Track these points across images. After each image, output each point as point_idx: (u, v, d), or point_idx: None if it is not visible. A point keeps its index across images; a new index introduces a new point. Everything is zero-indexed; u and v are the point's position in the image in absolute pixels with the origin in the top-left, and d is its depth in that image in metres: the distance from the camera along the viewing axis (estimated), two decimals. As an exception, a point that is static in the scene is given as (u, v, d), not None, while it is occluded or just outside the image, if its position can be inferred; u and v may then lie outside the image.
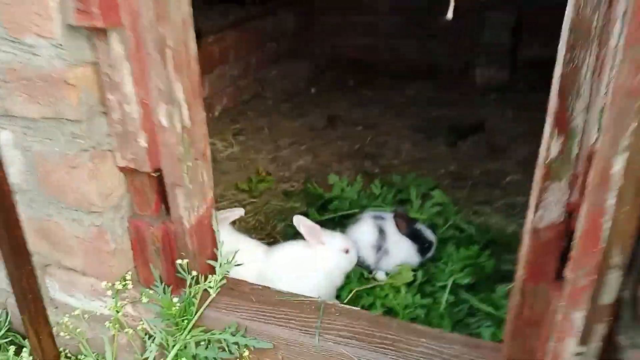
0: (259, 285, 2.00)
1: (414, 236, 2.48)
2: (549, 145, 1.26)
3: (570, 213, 1.31)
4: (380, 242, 2.49)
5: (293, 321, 1.77)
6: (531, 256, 1.38)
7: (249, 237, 2.47)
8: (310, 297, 1.92)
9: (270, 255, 2.30)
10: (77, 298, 2.02)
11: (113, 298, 1.86)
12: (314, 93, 5.25)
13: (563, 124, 1.23)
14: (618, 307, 1.29)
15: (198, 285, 1.83)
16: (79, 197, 1.75)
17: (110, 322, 1.87)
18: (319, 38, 6.09)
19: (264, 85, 5.18)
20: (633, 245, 1.10)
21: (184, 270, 1.82)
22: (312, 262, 2.24)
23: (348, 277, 2.46)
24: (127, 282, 1.87)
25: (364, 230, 2.54)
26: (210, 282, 1.85)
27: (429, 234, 2.51)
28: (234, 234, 2.40)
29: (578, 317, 1.28)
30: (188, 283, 1.82)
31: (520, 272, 1.42)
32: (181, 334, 1.81)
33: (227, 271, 1.93)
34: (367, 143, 4.15)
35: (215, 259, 1.92)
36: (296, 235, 2.52)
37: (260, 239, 2.82)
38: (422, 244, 2.47)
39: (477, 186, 3.45)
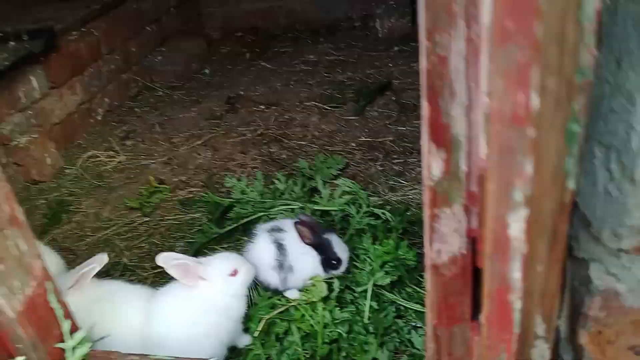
0: (135, 355, 1.62)
1: (321, 247, 2.13)
2: (429, 163, 0.93)
3: (475, 241, 1.00)
4: (281, 259, 2.14)
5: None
6: (438, 297, 1.07)
7: (126, 285, 2.06)
8: (198, 362, 1.57)
9: (150, 307, 1.91)
10: None
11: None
12: (209, 74, 4.75)
13: (440, 134, 0.89)
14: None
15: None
16: None
17: None
18: (206, 9, 5.53)
19: (152, 74, 4.63)
20: (559, 304, 0.80)
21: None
22: (199, 306, 1.87)
23: (255, 304, 2.12)
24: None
25: (260, 248, 2.17)
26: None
27: (338, 249, 2.14)
28: (101, 287, 1.99)
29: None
30: (31, 386, 1.42)
31: (428, 315, 1.12)
32: None
33: (88, 349, 1.54)
34: (271, 124, 3.76)
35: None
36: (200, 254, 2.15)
37: (155, 271, 2.45)
38: (328, 258, 2.13)
39: (390, 155, 3.16)
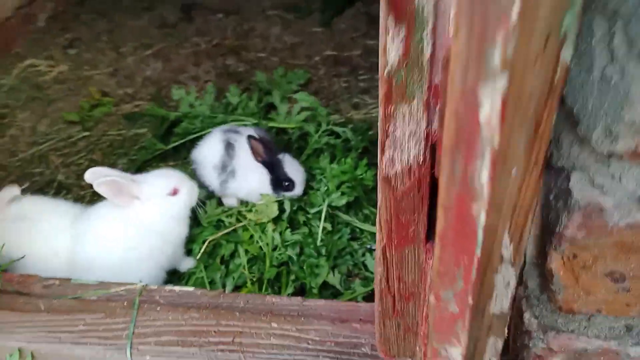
0: (55, 280, 1.44)
1: (272, 167, 1.95)
2: (385, 44, 0.73)
3: (434, 148, 0.82)
4: (226, 160, 1.96)
5: (95, 333, 1.26)
6: (388, 214, 0.91)
7: (50, 202, 1.86)
8: (124, 286, 1.40)
9: (77, 228, 1.71)
10: None
11: None
12: (163, -22, 4.32)
13: (400, 3, 0.68)
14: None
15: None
16: None
17: None
18: None
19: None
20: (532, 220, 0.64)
21: None
22: (133, 228, 1.68)
23: (200, 224, 1.95)
24: None
25: (208, 144, 2.01)
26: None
27: (292, 169, 1.97)
28: (28, 203, 1.78)
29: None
30: None
31: (378, 235, 0.95)
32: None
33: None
34: (229, 34, 3.44)
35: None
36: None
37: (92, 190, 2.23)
38: (279, 179, 1.95)
39: (357, 71, 2.93)
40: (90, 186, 1.72)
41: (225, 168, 1.96)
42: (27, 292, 1.40)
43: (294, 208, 1.96)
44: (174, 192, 1.74)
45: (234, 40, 3.37)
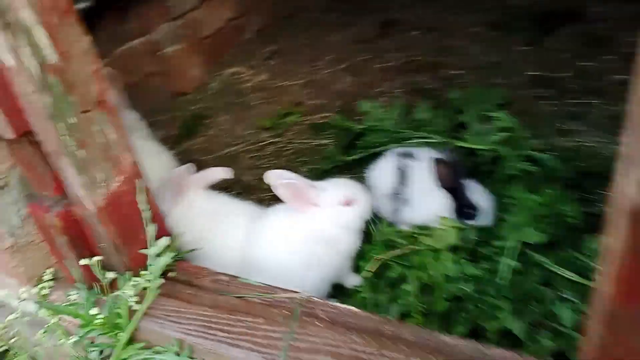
0: (224, 276, 1.43)
1: (456, 192, 1.76)
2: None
3: None
4: (398, 188, 1.82)
5: (252, 337, 1.20)
6: (629, 258, 0.67)
7: (234, 201, 1.89)
8: (288, 294, 1.33)
9: (252, 227, 1.71)
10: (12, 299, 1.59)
11: (37, 303, 1.41)
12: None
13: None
14: None
15: (123, 289, 1.30)
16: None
17: (44, 330, 1.42)
18: None
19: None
20: None
21: (100, 270, 1.29)
22: (304, 232, 1.63)
23: (371, 240, 1.83)
24: (44, 283, 1.40)
25: (381, 170, 1.90)
26: (140, 281, 1.31)
27: (478, 197, 1.76)
28: (214, 199, 1.84)
29: None
30: (105, 286, 1.30)
31: (605, 285, 0.72)
32: (120, 351, 1.32)
33: (174, 259, 1.38)
34: (425, 51, 3.32)
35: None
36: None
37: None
38: (461, 206, 1.75)
39: (566, 94, 2.57)
40: (271, 190, 1.73)
41: (398, 196, 1.83)
42: (197, 284, 1.41)
43: (477, 238, 1.74)
44: (349, 203, 1.66)
45: (430, 56, 3.23)
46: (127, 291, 1.24)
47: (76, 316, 1.30)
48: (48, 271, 1.43)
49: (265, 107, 3.06)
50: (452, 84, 2.85)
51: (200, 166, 2.61)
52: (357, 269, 1.78)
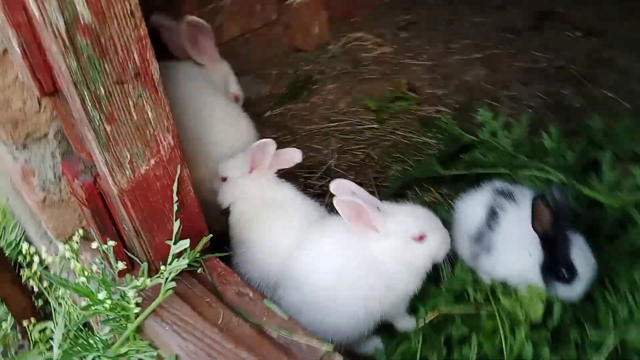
0: (250, 291, 1.25)
1: (552, 245, 1.40)
2: None
3: None
4: (483, 230, 1.50)
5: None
6: None
7: (300, 199, 1.67)
8: (310, 339, 1.11)
9: (304, 235, 1.49)
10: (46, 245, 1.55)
11: (70, 258, 1.33)
12: (529, -24, 3.81)
13: None
14: None
15: (138, 280, 1.17)
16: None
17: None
18: None
19: (462, -37, 3.92)
20: None
21: (120, 254, 1.17)
22: (359, 258, 1.39)
23: (439, 282, 1.55)
24: (72, 243, 1.32)
25: (468, 205, 1.60)
26: (159, 275, 1.16)
27: (579, 258, 1.38)
28: (276, 188, 1.64)
29: None
30: (115, 274, 1.17)
31: None
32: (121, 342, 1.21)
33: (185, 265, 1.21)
34: (580, 58, 2.81)
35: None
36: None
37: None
38: (555, 264, 1.39)
39: None
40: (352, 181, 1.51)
41: (481, 240, 1.52)
42: (220, 290, 1.24)
43: (566, 315, 1.39)
44: (420, 238, 1.38)
45: (583, 66, 2.72)
46: (130, 292, 1.11)
47: (85, 295, 1.20)
48: (80, 231, 1.34)
49: (378, 84, 2.78)
50: (599, 108, 2.37)
51: (291, 135, 2.49)
52: (412, 309, 1.52)
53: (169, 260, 1.17)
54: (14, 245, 1.98)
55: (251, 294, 1.25)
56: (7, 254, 1.72)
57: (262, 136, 1.94)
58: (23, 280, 1.43)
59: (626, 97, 2.44)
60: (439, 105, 2.56)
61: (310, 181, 2.15)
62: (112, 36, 0.94)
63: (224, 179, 1.65)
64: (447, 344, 1.44)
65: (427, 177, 2.00)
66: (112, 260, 1.16)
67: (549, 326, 1.39)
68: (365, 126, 2.46)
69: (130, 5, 0.94)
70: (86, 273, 1.30)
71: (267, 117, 2.62)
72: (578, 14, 3.23)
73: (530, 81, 2.68)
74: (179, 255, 1.19)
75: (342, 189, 1.40)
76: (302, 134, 2.48)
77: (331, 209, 1.87)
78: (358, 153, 2.29)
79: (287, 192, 1.66)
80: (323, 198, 2.06)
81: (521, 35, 3.11)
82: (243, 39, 2.93)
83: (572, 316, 1.43)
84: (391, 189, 1.96)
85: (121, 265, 1.16)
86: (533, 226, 1.42)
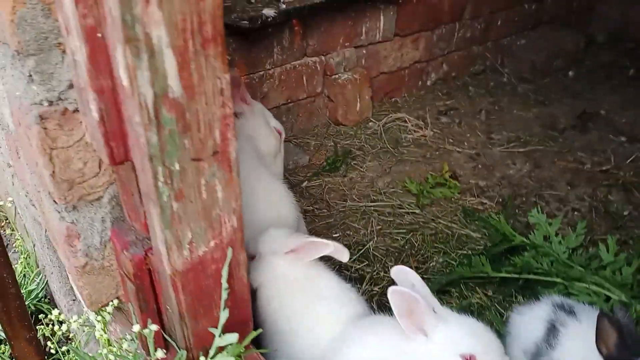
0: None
1: None
2: None
3: None
4: (542, 349, 1.38)
5: None
6: None
7: (339, 287, 1.56)
8: None
9: (345, 333, 1.37)
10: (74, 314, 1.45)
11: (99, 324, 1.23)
12: (572, 77, 3.82)
13: None
14: None
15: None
16: (38, 177, 1.11)
17: None
18: (600, 6, 4.49)
19: (505, 56, 3.97)
20: None
21: (161, 338, 1.06)
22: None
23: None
24: (105, 313, 1.22)
25: (526, 319, 1.48)
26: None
27: None
28: (322, 280, 1.54)
29: None
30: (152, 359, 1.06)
31: None
32: None
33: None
34: (627, 162, 2.75)
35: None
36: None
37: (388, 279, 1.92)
38: None
39: None
40: (386, 272, 1.40)
41: (539, 358, 1.40)
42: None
43: None
44: (470, 359, 1.24)
45: (630, 174, 2.66)
46: (168, 386, 1.00)
47: (114, 377, 1.08)
48: (114, 301, 1.24)
49: (418, 167, 2.73)
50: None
51: (328, 210, 2.41)
52: None
53: (212, 352, 1.06)
54: (33, 295, 1.88)
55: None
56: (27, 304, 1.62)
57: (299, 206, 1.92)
58: (38, 335, 1.33)
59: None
60: (482, 198, 2.48)
61: (347, 263, 2.04)
62: (198, 112, 0.88)
63: (253, 257, 1.57)
64: None
65: (471, 277, 1.89)
66: (151, 347, 1.05)
67: None
68: (406, 210, 2.38)
69: (221, 83, 0.88)
70: (114, 349, 1.20)
71: (304, 187, 2.56)
72: (622, 118, 3.21)
73: (576, 183, 2.61)
74: (221, 348, 1.08)
75: (402, 276, 1.30)
76: (339, 209, 2.41)
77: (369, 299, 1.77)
78: (398, 238, 2.20)
79: (327, 276, 1.57)
80: (360, 283, 1.96)
81: (565, 133, 3.07)
82: (286, 107, 2.93)
83: None
84: (435, 284, 1.85)
85: (160, 354, 1.05)
86: (597, 347, 1.30)
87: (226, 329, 1.06)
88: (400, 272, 1.33)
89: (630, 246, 2.06)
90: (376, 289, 1.94)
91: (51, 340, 1.41)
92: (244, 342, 1.09)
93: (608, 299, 1.68)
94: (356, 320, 1.42)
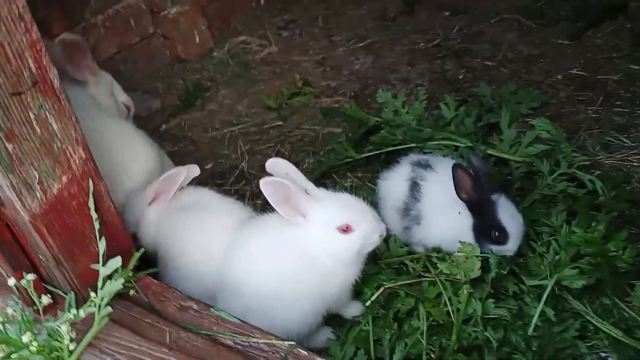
0: (193, 302, 1.17)
1: (480, 209, 1.47)
2: None
3: None
4: (409, 203, 1.55)
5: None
6: None
7: (220, 200, 1.61)
8: (268, 338, 1.06)
9: (235, 238, 1.43)
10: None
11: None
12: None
13: None
14: None
15: (70, 313, 1.04)
16: None
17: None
18: None
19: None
20: None
21: (33, 291, 1.03)
22: (293, 253, 1.35)
23: (377, 260, 1.56)
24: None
25: (392, 181, 1.64)
26: (90, 304, 1.04)
27: (507, 218, 1.46)
28: (192, 196, 1.57)
29: None
30: (41, 308, 1.04)
31: None
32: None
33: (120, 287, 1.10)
34: (453, 35, 2.99)
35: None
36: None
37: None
38: (486, 227, 1.47)
39: (611, 100, 2.26)
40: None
41: (409, 212, 1.56)
42: (159, 308, 1.15)
43: (504, 271, 1.45)
44: (346, 229, 1.34)
45: (458, 42, 2.91)
46: (63, 326, 0.98)
47: (5, 342, 1.04)
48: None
49: (272, 84, 2.76)
50: (482, 77, 2.54)
51: (195, 145, 2.39)
52: (357, 294, 1.51)
53: (100, 284, 1.05)
54: None
55: (195, 306, 1.17)
56: None
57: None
58: None
59: (501, 64, 2.64)
60: (336, 96, 2.59)
61: (225, 187, 2.07)
62: (2, 43, 0.83)
63: (135, 236, 1.58)
64: (397, 318, 1.46)
65: (342, 164, 2.01)
66: (34, 297, 1.02)
67: (489, 282, 1.45)
68: (270, 125, 2.43)
69: (18, 7, 0.83)
70: (1, 319, 1.14)
71: (163, 130, 2.50)
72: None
73: (414, 62, 2.80)
74: (109, 277, 1.08)
75: (277, 168, 1.35)
76: (205, 142, 2.40)
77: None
78: (268, 152, 2.26)
79: (203, 196, 1.60)
80: (243, 201, 2.01)
81: (396, 21, 3.25)
82: (121, 56, 2.78)
83: (510, 270, 1.50)
84: (310, 180, 1.94)
85: (46, 300, 1.02)
86: (457, 194, 1.48)
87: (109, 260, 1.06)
88: (275, 165, 1.38)
89: (470, 102, 2.29)
90: (258, 201, 2.00)
91: None
92: (129, 264, 1.09)
93: (457, 148, 1.87)
94: (246, 222, 1.47)
